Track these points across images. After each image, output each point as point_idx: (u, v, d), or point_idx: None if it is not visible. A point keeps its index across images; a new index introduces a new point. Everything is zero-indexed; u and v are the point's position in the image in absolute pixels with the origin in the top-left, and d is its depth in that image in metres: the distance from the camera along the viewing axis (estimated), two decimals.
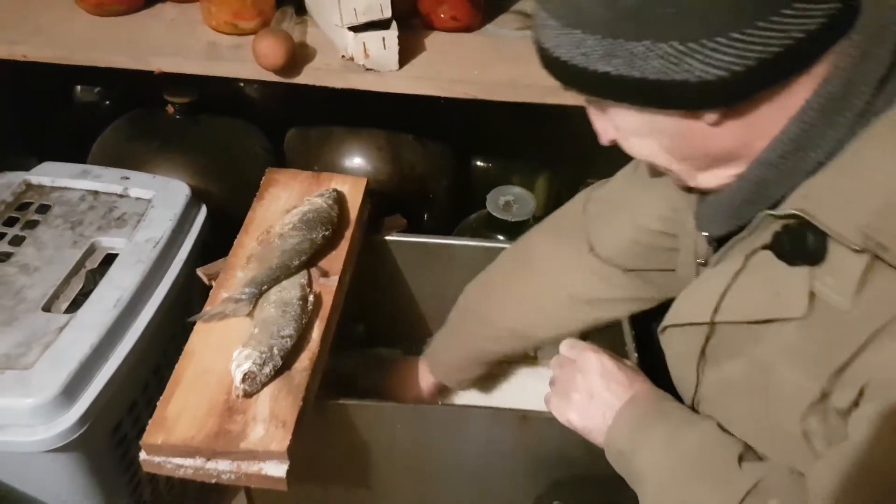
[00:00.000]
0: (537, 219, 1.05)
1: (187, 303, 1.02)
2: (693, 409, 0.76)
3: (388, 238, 1.12)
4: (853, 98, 0.54)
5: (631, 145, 0.64)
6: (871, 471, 0.55)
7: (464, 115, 1.33)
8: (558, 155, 1.38)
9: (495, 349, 1.00)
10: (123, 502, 1.00)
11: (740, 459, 0.66)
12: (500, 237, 1.21)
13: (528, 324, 0.96)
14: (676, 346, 0.75)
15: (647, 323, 0.97)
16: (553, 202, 1.36)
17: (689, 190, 0.69)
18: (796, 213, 0.55)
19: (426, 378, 1.07)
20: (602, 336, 0.96)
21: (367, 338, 1.23)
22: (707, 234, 0.69)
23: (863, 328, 0.54)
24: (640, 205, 0.85)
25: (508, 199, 1.27)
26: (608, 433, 0.75)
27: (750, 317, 0.62)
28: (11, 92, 1.28)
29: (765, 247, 0.60)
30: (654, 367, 0.85)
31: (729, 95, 0.54)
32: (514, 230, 1.17)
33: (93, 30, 1.02)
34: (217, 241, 1.04)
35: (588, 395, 0.78)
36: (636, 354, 0.94)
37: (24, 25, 1.01)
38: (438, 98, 1.06)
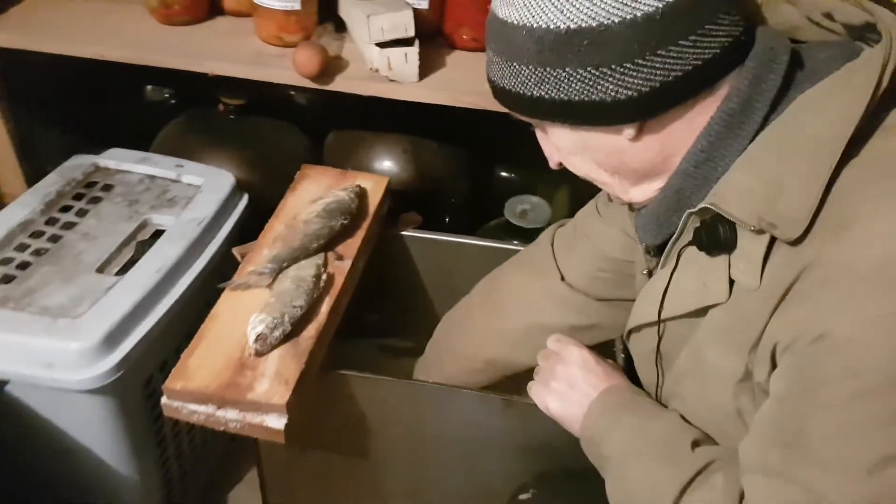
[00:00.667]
0: None
1: (222, 277, 1.14)
2: (662, 403, 0.82)
3: (403, 233, 1.22)
4: (751, 114, 0.63)
5: (571, 163, 0.73)
6: (775, 427, 0.61)
7: (490, 128, 1.44)
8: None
9: (478, 379, 1.05)
10: (149, 456, 1.12)
11: (694, 445, 0.72)
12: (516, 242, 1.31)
13: (502, 354, 1.03)
14: (638, 348, 0.83)
15: None
16: (571, 214, 1.45)
17: (629, 207, 0.77)
18: (707, 206, 0.63)
19: None
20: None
21: (381, 327, 1.34)
22: (644, 243, 0.76)
23: (767, 303, 0.61)
24: (601, 235, 0.94)
25: (525, 208, 1.37)
26: (583, 421, 0.82)
27: (687, 308, 0.70)
28: (88, 87, 1.45)
29: (689, 243, 0.67)
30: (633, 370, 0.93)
31: (640, 112, 0.63)
32: (530, 236, 1.24)
33: (160, 36, 1.17)
34: (255, 227, 1.15)
35: (567, 385, 0.86)
36: (623, 355, 0.99)
37: (104, 30, 1.17)
38: (465, 110, 1.17)
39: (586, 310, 0.98)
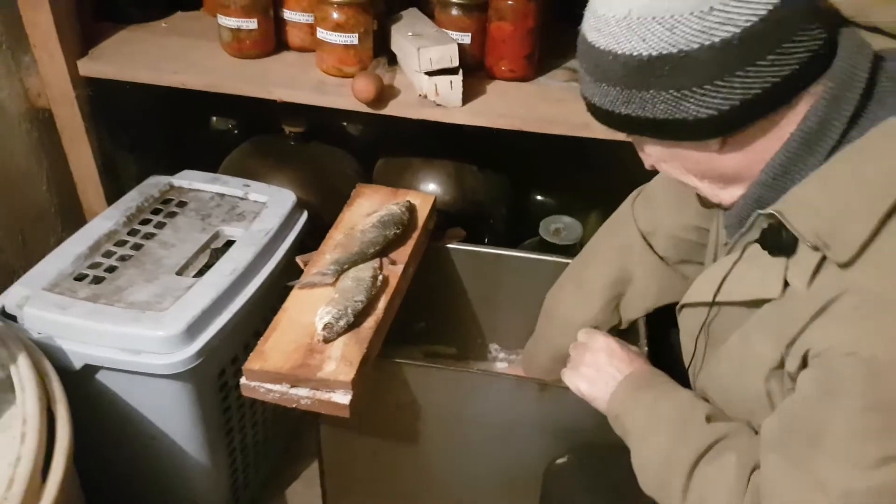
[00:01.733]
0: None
1: (287, 283, 1.26)
2: (693, 378, 0.91)
3: (448, 245, 1.34)
4: (828, 132, 0.67)
5: (663, 169, 0.79)
6: (798, 418, 0.69)
7: (527, 155, 1.57)
8: (609, 193, 1.58)
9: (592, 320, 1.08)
10: (219, 444, 1.22)
11: (708, 419, 0.81)
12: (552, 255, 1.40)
13: (590, 316, 1.07)
14: (686, 323, 0.90)
15: (660, 325, 1.14)
16: None
17: (717, 206, 0.83)
18: (773, 212, 0.68)
19: None
20: (620, 333, 1.14)
21: (427, 335, 1.44)
22: (727, 240, 0.83)
23: (809, 309, 0.67)
24: (683, 203, 0.98)
25: (559, 227, 1.48)
26: (609, 400, 0.92)
27: (742, 296, 0.76)
28: (162, 117, 1.61)
29: (755, 240, 0.73)
30: (657, 356, 1.03)
31: (721, 129, 0.68)
32: (563, 253, 1.36)
33: (234, 68, 1.31)
34: (313, 241, 1.27)
35: (595, 369, 0.96)
36: (646, 348, 1.08)
37: (184, 62, 1.31)
38: (504, 138, 1.29)
39: (661, 272, 1.03)
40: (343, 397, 0.97)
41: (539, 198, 1.62)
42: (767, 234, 0.71)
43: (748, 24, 0.62)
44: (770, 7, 0.62)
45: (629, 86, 0.68)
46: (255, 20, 1.29)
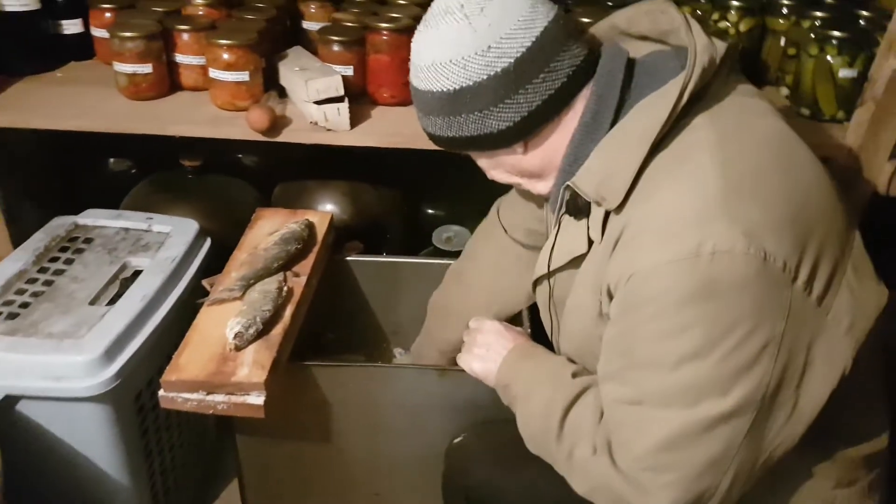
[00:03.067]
0: None
1: (195, 306, 1.33)
2: (556, 344, 1.05)
3: (348, 258, 1.45)
4: (601, 121, 0.86)
5: (493, 175, 0.98)
6: (612, 344, 0.83)
7: (415, 172, 1.71)
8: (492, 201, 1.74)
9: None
10: (139, 468, 1.27)
11: (574, 375, 0.95)
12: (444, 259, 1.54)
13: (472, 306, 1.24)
14: (540, 298, 1.05)
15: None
16: None
17: (540, 195, 1.00)
18: (569, 184, 0.86)
19: None
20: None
21: (336, 345, 1.54)
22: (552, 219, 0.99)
23: (605, 254, 0.83)
24: (531, 202, 1.17)
25: (450, 235, 1.63)
26: (497, 373, 1.05)
27: (565, 259, 0.92)
28: (60, 162, 1.66)
29: (565, 211, 0.90)
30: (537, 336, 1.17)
31: (520, 134, 0.87)
32: (455, 257, 1.50)
33: (131, 109, 1.39)
34: (217, 265, 1.35)
35: (485, 348, 1.09)
36: (529, 330, 1.22)
37: (83, 107, 1.37)
38: (392, 157, 1.42)
39: (524, 258, 1.19)
40: (257, 398, 1.06)
41: (429, 210, 1.76)
42: (569, 202, 0.89)
43: (518, 54, 0.81)
44: (532, 40, 0.82)
45: (446, 114, 0.87)
46: (150, 65, 1.38)
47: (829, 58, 1.30)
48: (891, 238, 1.21)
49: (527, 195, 1.13)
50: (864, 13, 1.44)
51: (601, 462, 0.85)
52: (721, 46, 0.85)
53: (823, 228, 0.79)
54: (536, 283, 1.03)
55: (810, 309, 0.77)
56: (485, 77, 0.82)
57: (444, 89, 0.85)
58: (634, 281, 0.78)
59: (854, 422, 0.90)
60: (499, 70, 0.82)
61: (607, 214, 0.84)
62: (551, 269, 0.96)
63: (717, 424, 0.77)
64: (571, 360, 1.01)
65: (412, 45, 0.89)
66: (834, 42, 1.30)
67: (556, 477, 0.93)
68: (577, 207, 0.88)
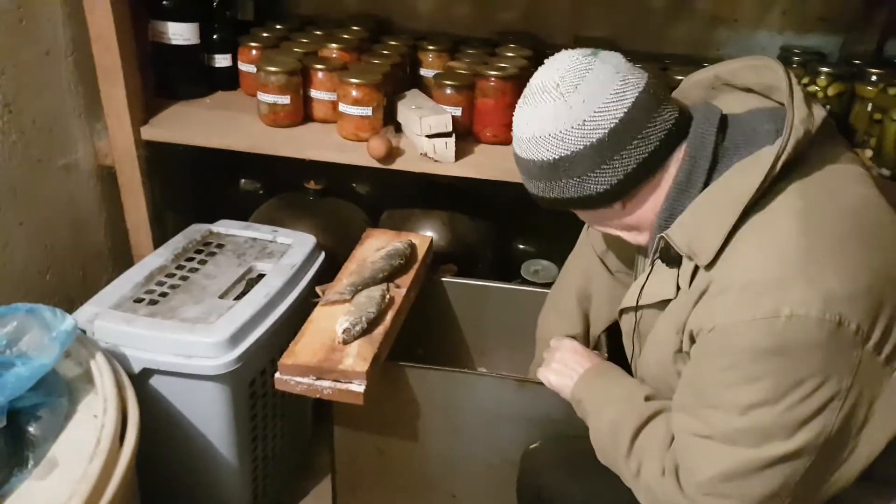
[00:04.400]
0: None
1: (309, 309, 1.49)
2: (634, 371, 1.14)
3: (443, 279, 1.60)
4: (694, 181, 0.92)
5: (597, 227, 1.07)
6: (689, 382, 0.92)
7: (509, 209, 1.85)
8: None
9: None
10: (246, 448, 1.44)
11: (647, 398, 1.03)
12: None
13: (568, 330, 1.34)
14: (624, 326, 1.15)
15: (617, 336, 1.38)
16: None
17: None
18: (663, 235, 0.93)
19: None
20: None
21: (425, 360, 1.67)
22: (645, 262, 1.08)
23: (690, 302, 0.90)
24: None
25: (538, 269, 1.75)
26: (573, 388, 1.14)
27: (653, 300, 1.00)
28: (202, 178, 1.89)
29: (658, 257, 0.98)
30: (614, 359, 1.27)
31: (618, 196, 0.94)
32: (541, 289, 1.61)
33: (270, 134, 1.60)
34: (329, 277, 1.51)
35: (563, 365, 1.19)
36: (606, 355, 1.31)
37: (229, 129, 1.59)
38: (491, 194, 1.56)
39: (611, 283, 1.31)
40: (359, 387, 1.20)
41: (520, 245, 1.90)
42: (663, 251, 0.96)
43: (611, 125, 0.89)
44: (624, 111, 0.89)
45: (547, 179, 0.95)
46: (289, 97, 1.59)
47: None
48: None
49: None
50: None
51: (668, 483, 0.93)
52: (819, 116, 0.89)
53: None
54: (623, 311, 1.12)
55: (878, 368, 0.83)
56: (581, 147, 0.90)
57: (545, 159, 0.93)
58: (716, 333, 0.85)
59: None
60: (594, 140, 0.89)
61: (696, 267, 0.91)
62: (639, 304, 1.04)
63: (778, 463, 0.84)
64: (641, 383, 1.09)
65: (514, 118, 0.98)
66: None
67: (624, 488, 1.00)
68: (670, 257, 0.95)
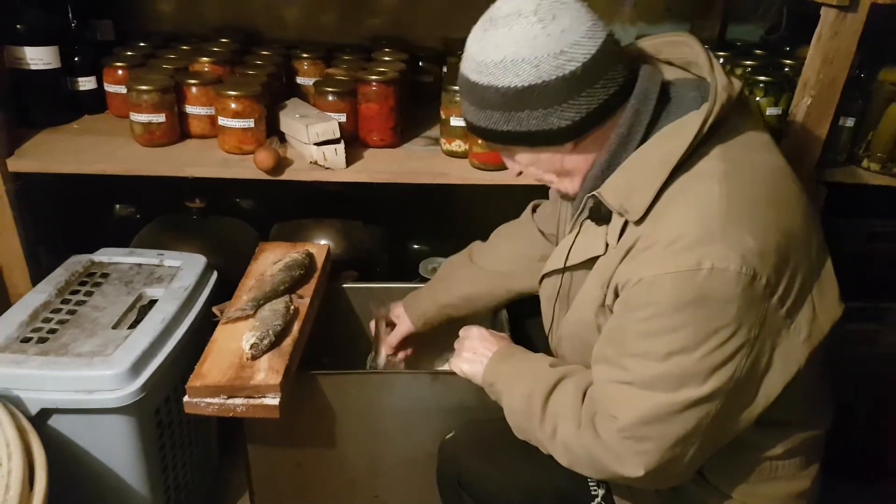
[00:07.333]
0: None
1: (207, 331, 1.46)
2: (549, 336, 1.19)
3: (344, 286, 1.60)
4: (634, 135, 0.95)
5: (528, 172, 1.05)
6: (610, 333, 0.97)
7: (404, 211, 1.88)
8: (471, 234, 1.90)
9: (474, 290, 1.40)
10: (156, 479, 1.38)
11: (552, 366, 1.09)
12: None
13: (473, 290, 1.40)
14: (546, 291, 1.19)
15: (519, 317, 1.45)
16: None
17: (563, 196, 1.14)
18: (595, 194, 0.97)
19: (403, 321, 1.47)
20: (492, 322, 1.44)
21: (331, 367, 1.66)
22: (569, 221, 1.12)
23: (618, 257, 0.95)
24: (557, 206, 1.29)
25: (434, 266, 1.78)
26: (483, 373, 1.18)
27: (582, 258, 1.04)
28: (69, 207, 1.79)
29: (587, 217, 1.03)
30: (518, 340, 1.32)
31: (575, 134, 0.94)
32: None
33: (146, 155, 1.54)
34: (223, 295, 1.49)
35: (472, 352, 1.23)
36: (508, 333, 1.37)
37: (101, 153, 1.52)
38: (382, 197, 1.58)
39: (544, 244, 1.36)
40: (273, 399, 1.18)
41: (415, 246, 1.93)
42: (592, 210, 1.01)
43: (585, 59, 0.90)
44: (596, 48, 0.90)
45: (507, 109, 0.93)
46: (164, 115, 1.54)
47: (757, 98, 1.51)
48: None
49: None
50: (787, 62, 1.67)
51: (584, 435, 0.98)
52: (738, 84, 0.97)
53: (801, 254, 0.92)
54: (545, 276, 1.16)
55: (780, 320, 0.91)
56: (553, 78, 0.89)
57: (512, 85, 0.90)
58: (641, 285, 0.90)
59: (803, 409, 1.05)
60: (566, 73, 0.89)
61: (625, 223, 0.97)
62: (567, 265, 1.08)
63: (693, 406, 0.91)
64: (549, 356, 1.16)
65: (470, 43, 0.95)
66: (761, 85, 1.51)
67: (535, 464, 1.06)
68: (600, 215, 1.00)
